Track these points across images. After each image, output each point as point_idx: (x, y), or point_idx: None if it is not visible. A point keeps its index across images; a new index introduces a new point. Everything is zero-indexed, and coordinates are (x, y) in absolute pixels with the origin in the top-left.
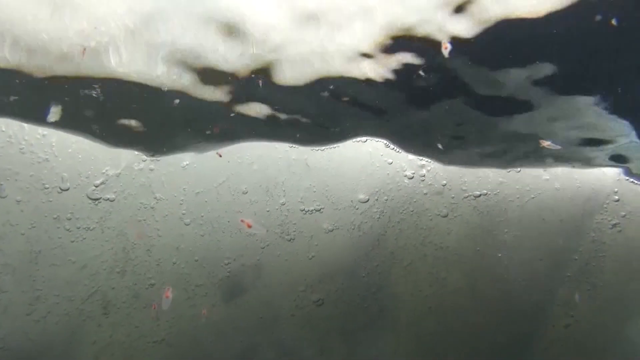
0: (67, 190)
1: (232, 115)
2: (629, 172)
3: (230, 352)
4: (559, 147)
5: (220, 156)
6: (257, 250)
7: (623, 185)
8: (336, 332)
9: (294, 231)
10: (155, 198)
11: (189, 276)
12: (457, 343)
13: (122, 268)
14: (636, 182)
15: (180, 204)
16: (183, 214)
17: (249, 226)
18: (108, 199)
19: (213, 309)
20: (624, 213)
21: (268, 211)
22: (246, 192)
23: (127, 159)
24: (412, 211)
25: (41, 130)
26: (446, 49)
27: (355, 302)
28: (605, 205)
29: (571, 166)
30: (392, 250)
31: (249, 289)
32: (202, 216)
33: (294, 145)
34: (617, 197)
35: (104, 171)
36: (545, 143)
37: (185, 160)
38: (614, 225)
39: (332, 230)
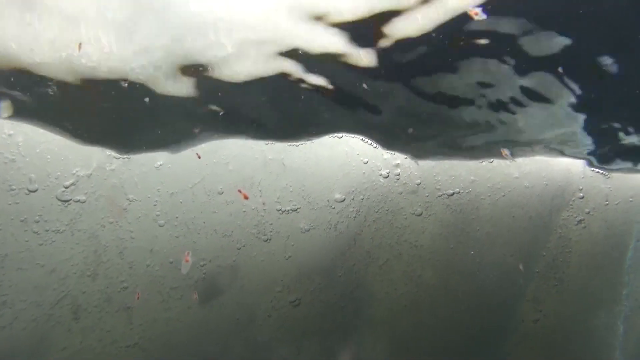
0: (35, 191)
1: (202, 111)
2: (590, 164)
3: (205, 354)
4: (514, 159)
5: (200, 157)
6: (234, 251)
7: (587, 182)
8: (313, 332)
9: (271, 231)
10: (128, 199)
11: (163, 279)
12: (432, 340)
13: (94, 271)
14: (600, 171)
15: (154, 205)
16: (157, 215)
17: (246, 197)
18: (78, 201)
19: (188, 311)
20: (588, 210)
21: (244, 211)
22: (222, 193)
23: (99, 159)
24: (387, 210)
25: (7, 129)
26: (477, 15)
27: (332, 302)
28: (571, 203)
29: (534, 154)
30: (368, 249)
31: (225, 290)
32: (177, 217)
33: (269, 142)
34: (581, 195)
35: (74, 172)
36: (504, 152)
37: (159, 160)
38: (579, 221)
39: (308, 230)
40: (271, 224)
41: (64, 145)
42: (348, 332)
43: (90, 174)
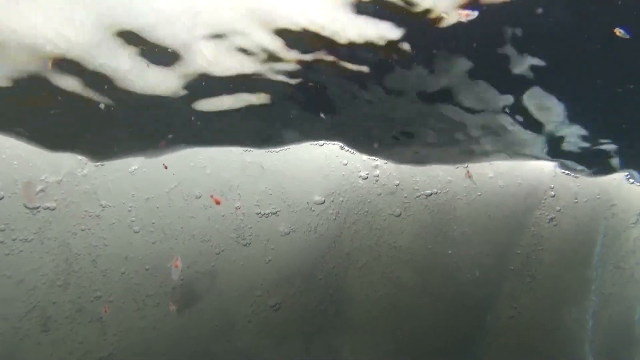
0: (1, 199)
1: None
2: (563, 166)
3: None
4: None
5: (166, 168)
6: (212, 256)
7: (558, 181)
8: (293, 336)
9: (250, 235)
10: (101, 205)
11: (139, 286)
12: (411, 341)
13: (64, 281)
14: (570, 174)
15: (129, 210)
16: (132, 221)
17: (218, 202)
18: (48, 208)
19: (165, 319)
20: (559, 208)
21: (223, 215)
22: (200, 197)
23: (69, 165)
24: (366, 212)
25: None
26: (468, 16)
27: (312, 305)
28: (543, 201)
29: (510, 158)
30: (347, 251)
31: (203, 296)
32: (153, 223)
33: (248, 149)
34: (553, 193)
35: (42, 178)
36: (469, 173)
37: (134, 165)
38: (551, 219)
39: (288, 233)
40: (250, 227)
41: (32, 150)
42: (329, 335)
43: (61, 180)
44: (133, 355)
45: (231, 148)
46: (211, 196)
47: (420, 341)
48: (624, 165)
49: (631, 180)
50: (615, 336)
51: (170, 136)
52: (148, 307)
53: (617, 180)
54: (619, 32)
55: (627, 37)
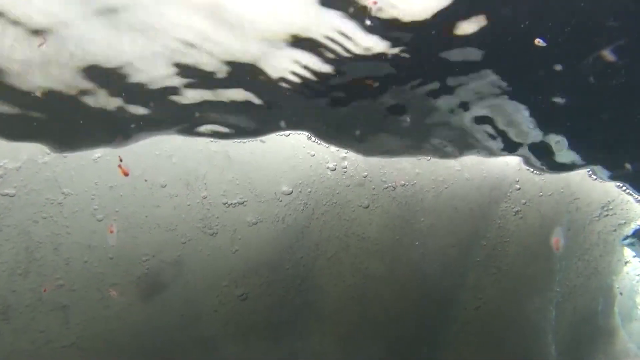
0: None
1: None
2: (528, 162)
3: (148, 352)
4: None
5: (121, 160)
6: (178, 245)
7: (523, 175)
8: (261, 327)
9: (217, 225)
10: (63, 193)
11: (102, 275)
12: (379, 331)
13: (25, 269)
14: (534, 170)
15: (92, 199)
16: (95, 209)
17: (126, 173)
18: (7, 195)
19: (130, 309)
20: (524, 201)
21: (189, 205)
22: (165, 186)
23: (30, 151)
24: (335, 203)
25: None
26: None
27: (280, 295)
28: (508, 194)
29: (477, 154)
30: (316, 242)
31: (169, 286)
32: (117, 211)
33: (215, 140)
34: (518, 186)
35: (1, 164)
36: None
37: (97, 153)
38: (517, 212)
39: (255, 224)
40: (217, 217)
41: None
42: (296, 326)
43: (20, 167)
44: (97, 344)
45: (197, 138)
46: (119, 166)
47: (387, 331)
48: (586, 162)
49: (593, 177)
50: (578, 327)
51: (132, 125)
52: (112, 296)
53: (580, 176)
54: (538, 41)
55: (544, 44)
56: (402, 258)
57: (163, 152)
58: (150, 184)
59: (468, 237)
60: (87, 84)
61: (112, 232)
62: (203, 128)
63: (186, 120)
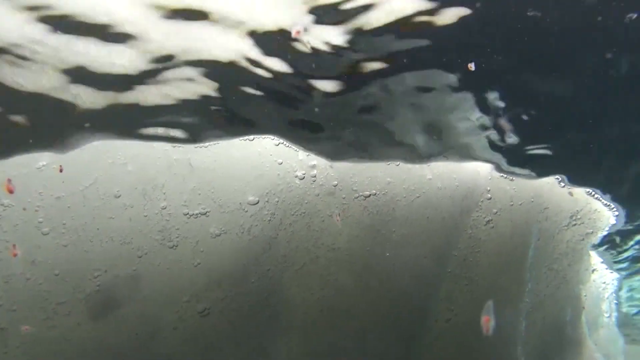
0: None
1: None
2: (499, 168)
3: None
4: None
5: (62, 171)
6: (134, 259)
7: (494, 183)
8: (224, 343)
9: (177, 237)
10: (2, 205)
11: (47, 293)
12: (349, 343)
13: None
14: (505, 176)
15: (36, 210)
16: (40, 222)
17: (10, 191)
18: None
19: (78, 328)
20: (495, 210)
21: (146, 216)
22: (119, 196)
23: None
24: (303, 212)
25: None
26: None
27: (245, 309)
28: (480, 203)
29: (446, 159)
30: (284, 253)
31: (123, 303)
32: (65, 224)
33: (177, 145)
34: (489, 196)
35: None
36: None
37: (42, 161)
38: (488, 221)
39: (219, 235)
40: (177, 229)
41: None
42: (262, 341)
43: None
44: None
45: (154, 144)
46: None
47: (358, 344)
48: (556, 170)
49: (562, 184)
50: (547, 336)
51: (87, 124)
52: (58, 315)
53: (550, 184)
54: (469, 66)
55: (474, 69)
56: (373, 269)
57: (117, 160)
58: (102, 194)
59: (440, 248)
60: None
61: (15, 255)
62: (158, 131)
63: (138, 123)
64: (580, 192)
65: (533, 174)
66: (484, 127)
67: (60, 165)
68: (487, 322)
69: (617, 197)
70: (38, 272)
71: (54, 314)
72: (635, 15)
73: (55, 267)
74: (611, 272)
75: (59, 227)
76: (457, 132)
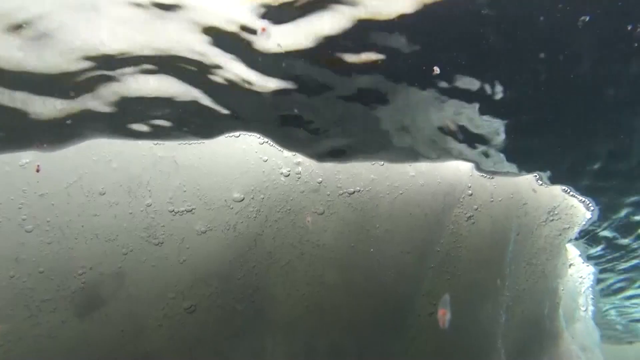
0: None
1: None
2: (479, 168)
3: None
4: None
5: (39, 171)
6: (119, 256)
7: (475, 180)
8: (209, 340)
9: (163, 234)
10: None
11: (32, 291)
12: (334, 339)
13: None
14: (485, 175)
15: (20, 208)
16: (23, 219)
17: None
18: None
19: (63, 326)
20: (476, 206)
21: (131, 213)
22: (104, 193)
23: None
24: (289, 209)
25: None
26: (264, 30)
27: (230, 306)
28: (461, 200)
29: (430, 160)
30: (269, 250)
31: (108, 300)
32: (49, 221)
33: (159, 143)
34: (470, 192)
35: None
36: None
37: (25, 158)
38: (469, 217)
39: (205, 232)
40: (163, 226)
41: None
42: (247, 337)
43: None
44: None
45: (139, 141)
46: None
47: (343, 340)
48: (533, 167)
49: (539, 182)
50: (526, 329)
51: (69, 121)
52: (43, 313)
53: (528, 181)
54: (435, 69)
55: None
56: (358, 265)
57: (101, 157)
58: (87, 191)
59: (423, 243)
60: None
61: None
62: (143, 128)
63: (123, 120)
64: (555, 188)
65: (512, 171)
66: (460, 128)
67: (38, 165)
68: (444, 315)
69: (591, 193)
70: (22, 270)
71: (38, 311)
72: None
73: (40, 265)
74: (587, 266)
75: (43, 224)
76: (432, 133)
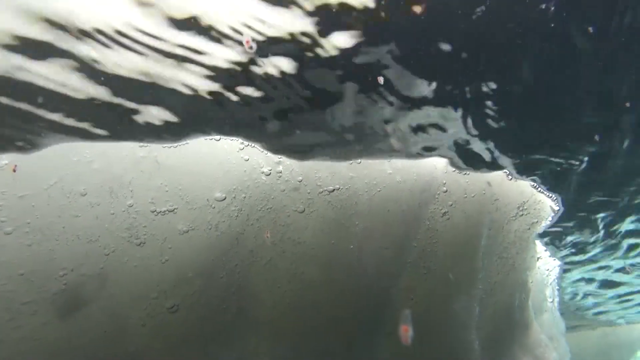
0: None
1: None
2: (453, 164)
3: None
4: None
5: (15, 171)
6: (101, 257)
7: (450, 177)
8: (193, 338)
9: (144, 234)
10: None
11: (12, 293)
12: (315, 336)
13: None
14: (459, 172)
15: None
16: (2, 221)
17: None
18: None
19: (44, 328)
20: (451, 202)
21: (113, 214)
22: (85, 194)
23: None
24: (270, 208)
25: None
26: (248, 43)
27: (213, 305)
28: (437, 196)
29: (407, 158)
30: (251, 248)
31: (90, 301)
32: (29, 223)
33: (142, 145)
34: (445, 189)
35: None
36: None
37: (4, 160)
38: (444, 213)
39: (187, 232)
40: (145, 226)
41: None
42: (230, 335)
43: None
44: None
45: (121, 142)
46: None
47: (324, 336)
48: (504, 164)
49: (510, 177)
50: (498, 321)
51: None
52: (24, 315)
53: (500, 177)
54: (379, 79)
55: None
56: (338, 262)
57: (82, 157)
58: (68, 192)
59: (400, 239)
60: None
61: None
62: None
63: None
64: (524, 184)
65: (484, 168)
66: (436, 127)
67: (15, 165)
68: (406, 332)
69: (558, 189)
70: (1, 273)
71: (18, 314)
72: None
73: (20, 267)
74: (554, 260)
75: (22, 226)
76: (408, 132)
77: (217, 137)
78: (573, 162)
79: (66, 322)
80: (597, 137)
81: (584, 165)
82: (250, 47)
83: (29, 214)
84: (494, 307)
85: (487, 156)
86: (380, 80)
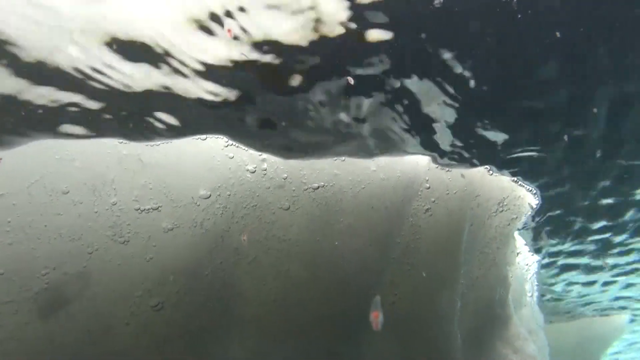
0: None
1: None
2: (435, 160)
3: None
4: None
5: None
6: (84, 256)
7: (432, 174)
8: (178, 336)
9: (128, 232)
10: None
11: None
12: (301, 333)
13: None
14: (441, 168)
15: None
16: None
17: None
18: None
19: (26, 327)
20: (433, 199)
21: (96, 212)
22: (67, 192)
23: None
24: (255, 205)
25: None
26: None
27: (198, 303)
28: (419, 193)
29: (390, 155)
30: (236, 246)
31: (73, 300)
32: (9, 222)
33: (124, 142)
34: (428, 185)
35: None
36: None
37: None
38: (427, 210)
39: (171, 229)
40: (129, 224)
41: None
42: (215, 333)
43: None
44: None
45: (104, 139)
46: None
47: (309, 333)
48: (485, 161)
49: (491, 172)
50: (479, 315)
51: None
52: (5, 315)
53: (481, 173)
54: (349, 79)
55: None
56: (323, 259)
57: (64, 155)
58: (49, 190)
59: (384, 236)
60: None
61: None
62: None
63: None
64: (505, 180)
65: (465, 164)
66: (419, 123)
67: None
68: (376, 317)
69: (537, 184)
70: None
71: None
72: None
73: (0, 266)
74: (532, 255)
75: (3, 225)
76: (391, 130)
77: (203, 136)
78: (549, 153)
79: (49, 321)
80: (565, 137)
81: (560, 155)
82: (235, 37)
83: (9, 212)
84: (475, 301)
85: (468, 152)
86: (351, 80)
